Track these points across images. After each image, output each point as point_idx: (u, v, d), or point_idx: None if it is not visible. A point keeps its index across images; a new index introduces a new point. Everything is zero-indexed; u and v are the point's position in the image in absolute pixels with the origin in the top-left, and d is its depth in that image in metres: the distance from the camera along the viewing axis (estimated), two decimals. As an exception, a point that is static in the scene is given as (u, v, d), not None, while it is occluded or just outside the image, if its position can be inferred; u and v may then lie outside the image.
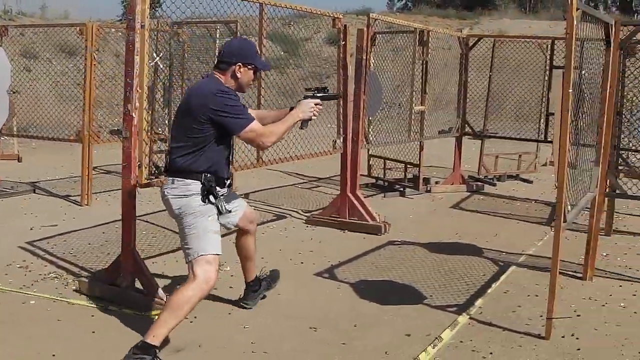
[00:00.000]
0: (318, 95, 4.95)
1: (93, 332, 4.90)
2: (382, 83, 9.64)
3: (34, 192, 10.10)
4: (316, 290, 6.03)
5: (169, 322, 4.30)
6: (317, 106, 4.86)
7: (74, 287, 5.75)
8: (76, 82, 10.58)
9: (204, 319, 5.18)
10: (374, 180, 11.68)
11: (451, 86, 11.53)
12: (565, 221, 4.99)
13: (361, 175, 9.06)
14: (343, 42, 8.20)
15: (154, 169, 9.63)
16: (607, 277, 6.60)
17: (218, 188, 4.60)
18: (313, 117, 4.86)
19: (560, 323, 5.14)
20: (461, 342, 4.91)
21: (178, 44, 9.83)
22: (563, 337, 5.02)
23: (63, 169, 12.04)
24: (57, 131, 10.92)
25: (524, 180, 12.73)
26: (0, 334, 4.82)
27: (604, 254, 7.35)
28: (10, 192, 9.89)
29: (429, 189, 11.21)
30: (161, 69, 9.96)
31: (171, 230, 7.80)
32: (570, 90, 4.84)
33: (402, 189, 10.97)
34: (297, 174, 12.62)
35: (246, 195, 9.97)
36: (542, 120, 11.37)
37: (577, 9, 4.84)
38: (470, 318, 5.39)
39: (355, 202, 8.37)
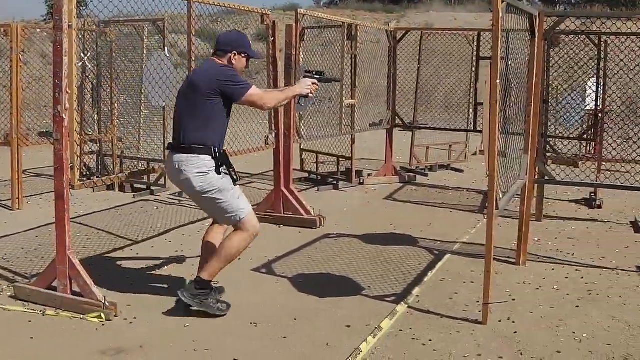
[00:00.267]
0: (316, 76, 5.66)
1: (31, 337, 4.80)
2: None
3: (-38, 198, 9.84)
4: (255, 285, 6.03)
5: (221, 265, 5.17)
6: (314, 85, 5.54)
7: (9, 294, 5.61)
8: (2, 85, 10.34)
9: (144, 319, 5.14)
10: (307, 175, 11.70)
11: (381, 79, 11.59)
12: (497, 208, 5.10)
13: (294, 170, 9.10)
14: (272, 38, 8.19)
15: (86, 170, 9.50)
16: (540, 262, 6.77)
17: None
18: (310, 95, 5.55)
19: (496, 308, 5.25)
20: (401, 330, 4.98)
21: (106, 43, 9.70)
22: (500, 321, 5.14)
23: (-9, 173, 11.75)
24: (-16, 135, 10.65)
25: (455, 170, 12.94)
26: None
27: (536, 239, 7.54)
28: (-64, 198, 9.61)
29: (362, 181, 11.31)
30: (89, 68, 9.81)
31: (106, 232, 7.71)
32: (498, 81, 4.94)
33: (335, 182, 11.02)
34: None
35: (180, 194, 9.90)
36: (470, 110, 11.55)
37: (503, 1, 4.94)
38: (409, 307, 5.47)
39: (290, 196, 8.39)
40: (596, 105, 9.29)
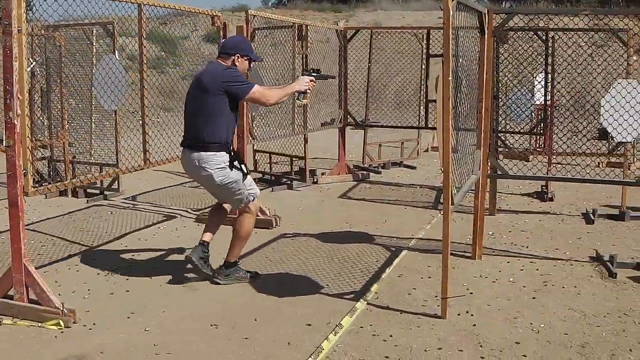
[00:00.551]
0: (313, 74, 6.18)
1: (-12, 347, 4.75)
2: (263, 78, 9.65)
3: None
4: (214, 287, 6.01)
5: (242, 244, 6.13)
6: (312, 82, 6.06)
7: (-37, 303, 5.53)
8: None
9: (103, 324, 5.10)
10: (260, 175, 11.69)
11: (332, 78, 11.64)
12: (452, 204, 5.16)
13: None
14: (223, 40, 8.18)
15: (38, 176, 9.35)
16: (495, 255, 6.88)
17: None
18: (308, 91, 6.08)
19: (455, 302, 5.33)
20: (361, 327, 5.02)
21: (54, 47, 9.58)
22: (459, 315, 5.21)
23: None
24: None
25: (408, 167, 13.05)
26: None
27: (490, 232, 7.65)
28: None
29: (315, 180, 11.34)
30: (38, 73, 9.68)
31: (60, 238, 7.62)
32: (450, 78, 5.00)
33: (289, 182, 11.02)
34: (184, 173, 12.41)
35: (134, 198, 9.83)
36: (421, 107, 11.63)
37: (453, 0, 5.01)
38: (368, 304, 5.51)
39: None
40: (545, 99, 9.45)
